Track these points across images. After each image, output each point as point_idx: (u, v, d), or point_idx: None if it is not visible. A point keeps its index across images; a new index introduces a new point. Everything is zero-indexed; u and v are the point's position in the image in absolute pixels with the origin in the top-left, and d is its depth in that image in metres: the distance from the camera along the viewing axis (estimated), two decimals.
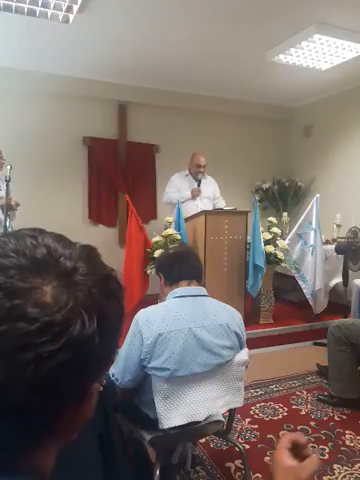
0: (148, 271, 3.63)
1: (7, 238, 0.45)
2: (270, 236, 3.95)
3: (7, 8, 3.04)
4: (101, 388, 0.53)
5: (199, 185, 4.31)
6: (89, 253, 0.49)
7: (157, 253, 3.47)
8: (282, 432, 2.42)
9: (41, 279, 0.42)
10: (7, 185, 3.33)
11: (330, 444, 2.30)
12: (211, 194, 4.42)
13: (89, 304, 0.44)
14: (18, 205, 3.79)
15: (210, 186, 4.44)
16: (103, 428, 1.33)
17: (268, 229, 4.00)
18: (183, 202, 4.07)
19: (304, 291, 4.06)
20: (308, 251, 4.10)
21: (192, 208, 4.16)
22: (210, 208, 4.22)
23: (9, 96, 4.49)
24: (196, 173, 4.34)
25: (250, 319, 3.94)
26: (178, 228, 3.67)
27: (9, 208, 3.64)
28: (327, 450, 2.25)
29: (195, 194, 4.26)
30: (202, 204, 4.25)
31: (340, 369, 2.72)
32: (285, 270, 4.18)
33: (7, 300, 0.40)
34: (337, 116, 5.24)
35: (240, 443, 2.06)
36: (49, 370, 0.40)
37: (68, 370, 0.42)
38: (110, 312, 0.46)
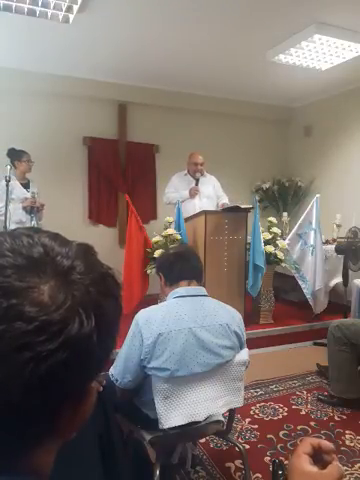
0: (148, 271, 3.63)
1: (3, 237, 0.45)
2: (270, 236, 3.94)
3: (7, 8, 3.04)
4: (101, 388, 0.53)
5: (197, 184, 4.30)
6: (86, 251, 0.49)
7: (157, 253, 3.47)
8: (282, 432, 2.42)
9: (38, 278, 0.42)
10: (7, 185, 3.33)
11: None
12: (212, 192, 4.38)
13: (87, 302, 0.44)
14: (43, 205, 3.82)
15: (210, 185, 4.39)
16: (103, 428, 1.33)
17: (268, 229, 4.00)
18: (183, 202, 4.06)
19: (304, 291, 4.06)
20: (308, 251, 4.10)
21: (192, 208, 4.15)
22: (211, 207, 4.19)
23: (9, 96, 4.49)
24: (194, 172, 4.33)
25: (250, 319, 3.93)
26: (178, 228, 3.66)
27: (36, 210, 3.71)
28: None
29: (193, 193, 4.24)
30: (201, 203, 4.22)
31: (340, 369, 2.72)
32: (285, 270, 4.17)
33: (4, 300, 0.40)
34: (337, 116, 5.24)
35: (240, 443, 2.06)
36: (47, 369, 0.40)
37: (66, 369, 0.42)
38: (108, 310, 0.46)
